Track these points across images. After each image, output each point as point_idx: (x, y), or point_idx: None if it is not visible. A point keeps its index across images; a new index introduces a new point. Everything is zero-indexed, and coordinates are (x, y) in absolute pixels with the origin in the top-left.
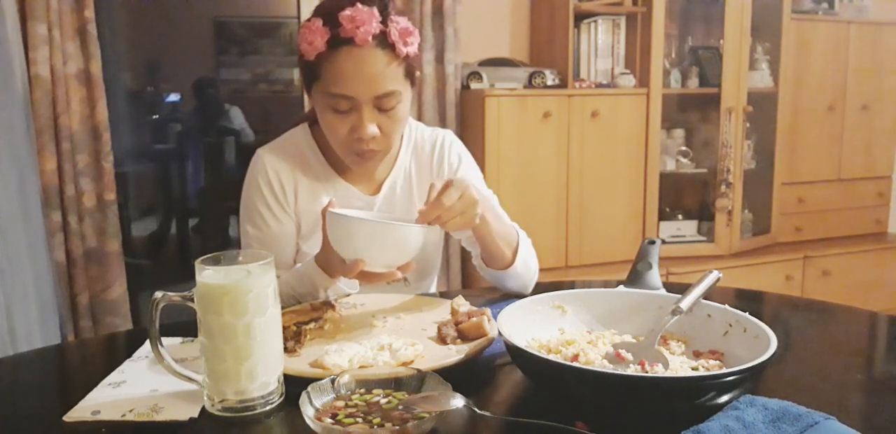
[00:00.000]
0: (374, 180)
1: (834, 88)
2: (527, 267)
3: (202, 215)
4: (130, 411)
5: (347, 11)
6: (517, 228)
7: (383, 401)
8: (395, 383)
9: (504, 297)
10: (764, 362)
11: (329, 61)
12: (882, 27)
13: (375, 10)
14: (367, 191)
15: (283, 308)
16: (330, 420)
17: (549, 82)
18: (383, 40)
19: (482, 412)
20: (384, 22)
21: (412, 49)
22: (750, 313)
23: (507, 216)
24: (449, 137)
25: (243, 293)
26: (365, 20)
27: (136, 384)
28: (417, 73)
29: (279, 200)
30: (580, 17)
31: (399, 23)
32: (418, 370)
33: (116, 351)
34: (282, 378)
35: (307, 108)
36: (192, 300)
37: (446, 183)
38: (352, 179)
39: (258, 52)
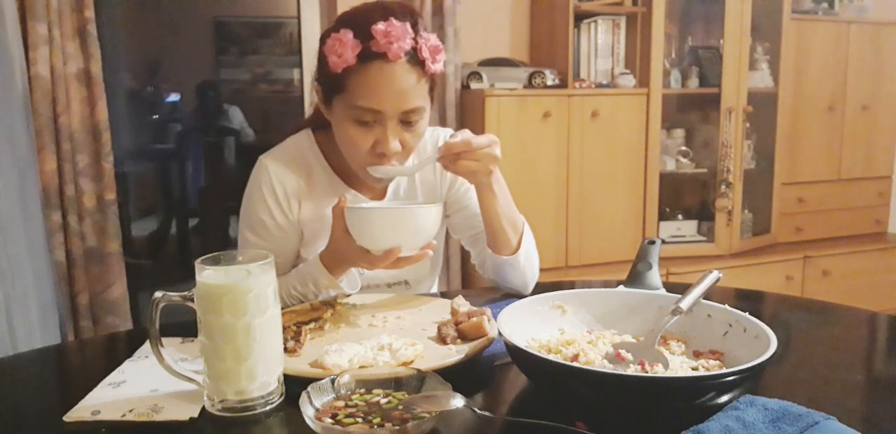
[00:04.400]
0: (381, 185)
1: (834, 88)
2: (529, 261)
3: (202, 215)
4: (130, 411)
5: (381, 26)
6: (524, 221)
7: (383, 401)
8: (395, 383)
9: (504, 296)
10: (764, 362)
11: (358, 75)
12: (882, 27)
13: (408, 26)
14: (372, 196)
15: (283, 308)
16: (330, 420)
17: (549, 82)
18: (414, 56)
19: (482, 412)
20: (416, 38)
21: (439, 66)
22: (750, 313)
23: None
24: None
25: (243, 293)
26: (399, 36)
27: (136, 384)
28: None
29: (283, 209)
30: (580, 17)
31: (429, 39)
32: (418, 370)
33: (116, 351)
34: (282, 378)
35: (307, 112)
36: (192, 300)
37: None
38: (357, 186)
39: (258, 52)
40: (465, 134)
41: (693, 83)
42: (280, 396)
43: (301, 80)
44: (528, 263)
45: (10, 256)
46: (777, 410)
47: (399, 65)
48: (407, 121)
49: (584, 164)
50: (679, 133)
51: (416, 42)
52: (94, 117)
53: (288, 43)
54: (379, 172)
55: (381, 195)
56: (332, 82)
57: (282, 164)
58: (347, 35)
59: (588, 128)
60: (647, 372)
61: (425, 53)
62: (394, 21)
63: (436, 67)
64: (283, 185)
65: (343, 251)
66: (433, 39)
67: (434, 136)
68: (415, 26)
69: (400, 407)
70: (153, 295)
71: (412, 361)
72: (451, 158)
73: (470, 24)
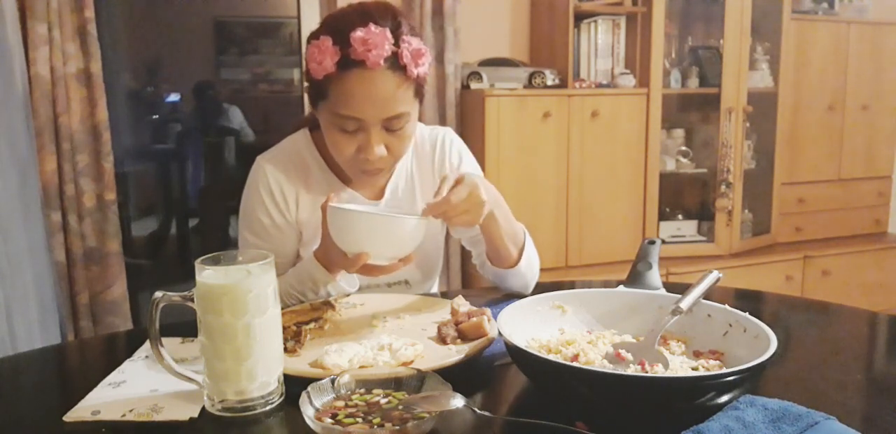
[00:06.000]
0: (377, 185)
1: (834, 88)
2: (530, 267)
3: (202, 215)
4: (130, 411)
5: (359, 32)
6: (523, 228)
7: (383, 401)
8: (395, 383)
9: (504, 297)
10: (764, 362)
11: (338, 82)
12: (882, 27)
13: (388, 32)
14: (370, 196)
15: (283, 307)
16: (330, 420)
17: (549, 82)
18: (395, 62)
19: (482, 412)
20: (397, 43)
21: (423, 70)
22: (750, 313)
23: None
24: (449, 135)
25: (243, 293)
26: (377, 43)
27: (136, 384)
28: (425, 88)
29: (280, 210)
30: (580, 17)
31: (411, 43)
32: (418, 370)
33: (116, 351)
34: (282, 378)
35: (307, 111)
36: (192, 300)
37: (458, 179)
38: (355, 185)
39: (258, 52)
40: (444, 189)
41: (693, 83)
42: (280, 396)
43: (301, 80)
44: (528, 269)
45: (10, 256)
46: (777, 410)
47: (379, 72)
48: (391, 127)
49: (584, 164)
50: (679, 133)
51: (397, 47)
52: (94, 117)
53: (288, 43)
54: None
55: (379, 194)
56: (315, 89)
57: (279, 164)
58: (326, 42)
59: (588, 128)
60: (647, 372)
61: (406, 58)
62: (372, 28)
63: (419, 71)
64: (281, 186)
65: (330, 249)
66: (415, 43)
67: (433, 136)
68: (396, 30)
69: (400, 407)
70: (153, 295)
71: (412, 361)
72: (439, 217)
73: (470, 24)
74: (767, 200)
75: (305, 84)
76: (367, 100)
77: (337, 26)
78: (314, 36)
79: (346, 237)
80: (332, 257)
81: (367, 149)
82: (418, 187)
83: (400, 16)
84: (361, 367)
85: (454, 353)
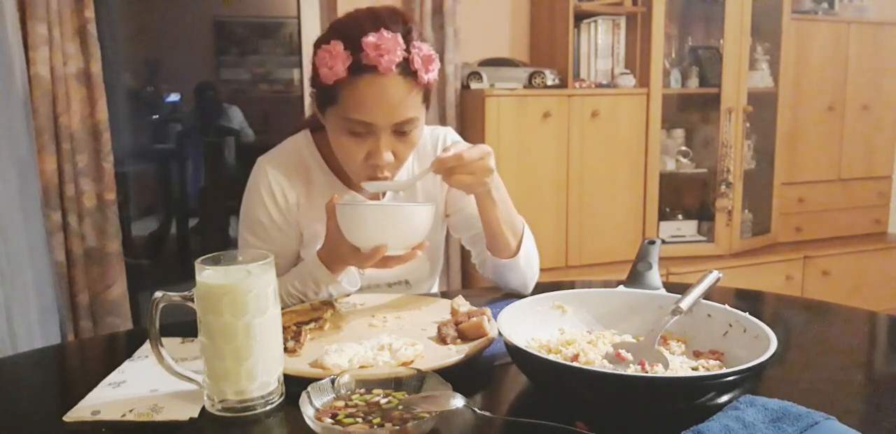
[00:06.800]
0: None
1: (834, 88)
2: (529, 262)
3: (202, 215)
4: (130, 411)
5: (371, 38)
6: (522, 221)
7: (383, 401)
8: (395, 383)
9: (504, 297)
10: (764, 362)
11: (349, 87)
12: (882, 27)
13: (399, 37)
14: (372, 197)
15: (283, 307)
16: (330, 420)
17: (549, 82)
18: (406, 68)
19: (482, 412)
20: (408, 49)
21: (432, 75)
22: (750, 313)
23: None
24: (450, 135)
25: (243, 293)
26: (390, 49)
27: (136, 384)
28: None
29: (282, 211)
30: (580, 17)
31: (422, 49)
32: (418, 370)
33: (116, 351)
34: (282, 378)
35: (307, 112)
36: (192, 300)
37: (473, 145)
38: (356, 187)
39: (258, 52)
40: (458, 147)
41: (693, 83)
42: (280, 396)
43: (301, 80)
44: (527, 265)
45: (10, 256)
46: (777, 410)
47: (390, 77)
48: (400, 131)
49: (584, 164)
50: (679, 133)
51: (409, 53)
52: (94, 117)
53: (288, 43)
54: (373, 187)
55: (381, 195)
56: (324, 93)
57: (280, 165)
58: (338, 47)
59: (588, 128)
60: (647, 372)
61: (417, 64)
62: (384, 33)
63: (429, 77)
64: (282, 187)
65: (337, 248)
66: (426, 49)
67: (434, 135)
68: (407, 36)
69: (400, 407)
70: (153, 295)
71: (412, 361)
72: (444, 172)
73: (470, 24)
74: (767, 200)
75: (311, 89)
76: (378, 105)
77: (347, 31)
78: (324, 41)
79: (360, 233)
80: (343, 256)
81: (376, 154)
82: (419, 188)
83: (410, 21)
84: (361, 367)
85: (454, 353)
